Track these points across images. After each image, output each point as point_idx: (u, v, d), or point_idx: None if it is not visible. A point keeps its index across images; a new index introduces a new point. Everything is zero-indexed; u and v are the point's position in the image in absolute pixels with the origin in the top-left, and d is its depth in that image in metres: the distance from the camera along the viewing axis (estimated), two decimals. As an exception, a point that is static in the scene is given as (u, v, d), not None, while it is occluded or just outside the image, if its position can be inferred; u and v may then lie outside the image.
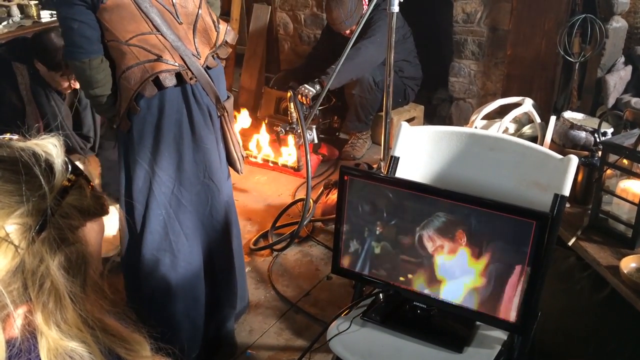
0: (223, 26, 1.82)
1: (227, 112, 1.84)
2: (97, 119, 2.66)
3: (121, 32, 1.58)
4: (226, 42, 1.82)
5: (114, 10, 1.56)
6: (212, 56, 1.78)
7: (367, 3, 3.35)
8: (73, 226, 0.75)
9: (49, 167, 0.74)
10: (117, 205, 1.81)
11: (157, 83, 1.64)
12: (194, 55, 1.71)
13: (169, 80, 1.65)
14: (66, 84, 2.40)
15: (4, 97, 2.36)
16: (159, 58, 1.62)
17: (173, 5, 1.67)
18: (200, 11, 1.73)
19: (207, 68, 1.76)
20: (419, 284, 1.52)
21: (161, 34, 1.63)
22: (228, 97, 1.85)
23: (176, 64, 1.66)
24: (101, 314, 0.79)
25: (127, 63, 1.61)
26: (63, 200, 0.74)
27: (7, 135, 0.79)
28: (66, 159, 0.77)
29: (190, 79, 1.69)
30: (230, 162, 1.94)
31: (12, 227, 0.69)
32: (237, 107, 4.02)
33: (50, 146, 0.77)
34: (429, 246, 1.48)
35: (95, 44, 1.59)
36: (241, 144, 1.97)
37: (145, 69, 1.61)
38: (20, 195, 0.70)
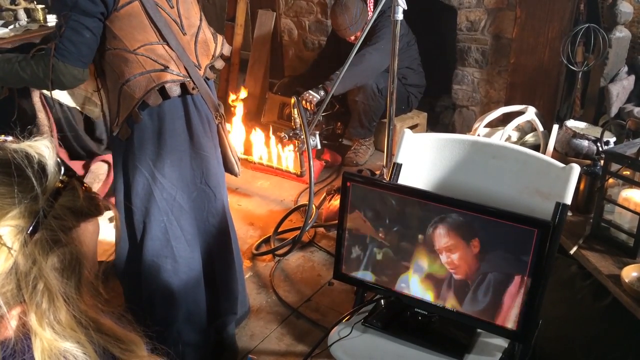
0: (219, 38, 1.86)
1: (224, 119, 1.88)
2: (108, 121, 2.69)
3: (130, 41, 1.59)
4: (222, 54, 1.86)
5: (125, 19, 1.57)
6: (209, 67, 1.81)
7: (372, 9, 3.37)
8: (66, 227, 0.75)
9: (41, 168, 0.74)
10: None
11: (162, 92, 1.65)
12: (195, 66, 1.73)
13: (175, 90, 1.66)
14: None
15: (15, 105, 2.37)
16: (166, 68, 1.64)
17: (179, 16, 1.69)
18: (201, 23, 1.77)
19: (206, 79, 1.79)
20: (420, 290, 1.52)
21: (167, 45, 1.65)
22: (220, 105, 1.88)
23: (181, 74, 1.68)
24: (96, 314, 0.79)
25: (132, 71, 1.61)
26: (56, 202, 0.74)
27: (1, 137, 0.79)
28: (59, 160, 0.77)
29: (193, 89, 1.71)
30: (228, 165, 1.96)
31: (5, 229, 0.69)
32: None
33: (43, 148, 0.77)
34: (440, 241, 1.46)
35: (92, 56, 1.60)
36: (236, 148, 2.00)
37: (151, 78, 1.62)
38: (12, 197, 0.70)
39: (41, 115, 2.41)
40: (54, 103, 2.45)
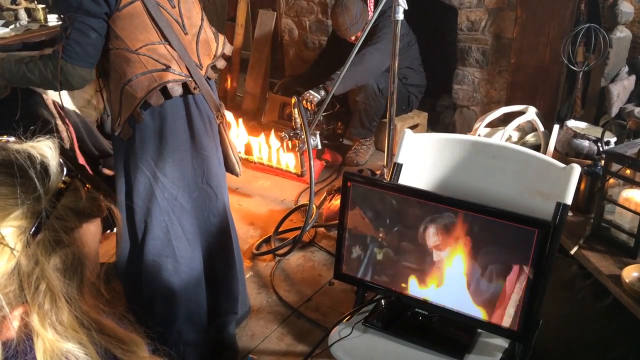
0: (221, 38, 1.87)
1: (225, 118, 1.88)
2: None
3: (132, 41, 1.60)
4: (223, 54, 1.87)
5: (127, 19, 1.58)
6: (211, 67, 1.81)
7: (372, 10, 3.37)
8: (68, 228, 0.75)
9: (44, 169, 0.75)
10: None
11: (164, 92, 1.65)
12: (197, 65, 1.74)
13: (176, 90, 1.67)
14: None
15: (34, 113, 2.37)
16: (168, 68, 1.65)
17: (181, 16, 1.70)
18: (203, 23, 1.78)
19: (207, 79, 1.80)
20: (420, 289, 1.52)
21: (169, 45, 1.66)
22: (221, 105, 1.89)
23: (183, 74, 1.68)
24: (98, 314, 0.79)
25: (134, 71, 1.62)
26: (58, 203, 0.74)
27: (4, 138, 0.79)
28: (61, 161, 0.78)
29: (194, 88, 1.72)
30: (229, 165, 1.97)
31: (8, 229, 0.69)
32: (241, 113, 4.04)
33: (45, 148, 0.77)
34: (432, 240, 1.47)
35: (98, 56, 1.61)
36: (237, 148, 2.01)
37: (153, 77, 1.63)
38: (15, 198, 0.70)
39: (59, 122, 2.41)
40: (63, 106, 2.45)
